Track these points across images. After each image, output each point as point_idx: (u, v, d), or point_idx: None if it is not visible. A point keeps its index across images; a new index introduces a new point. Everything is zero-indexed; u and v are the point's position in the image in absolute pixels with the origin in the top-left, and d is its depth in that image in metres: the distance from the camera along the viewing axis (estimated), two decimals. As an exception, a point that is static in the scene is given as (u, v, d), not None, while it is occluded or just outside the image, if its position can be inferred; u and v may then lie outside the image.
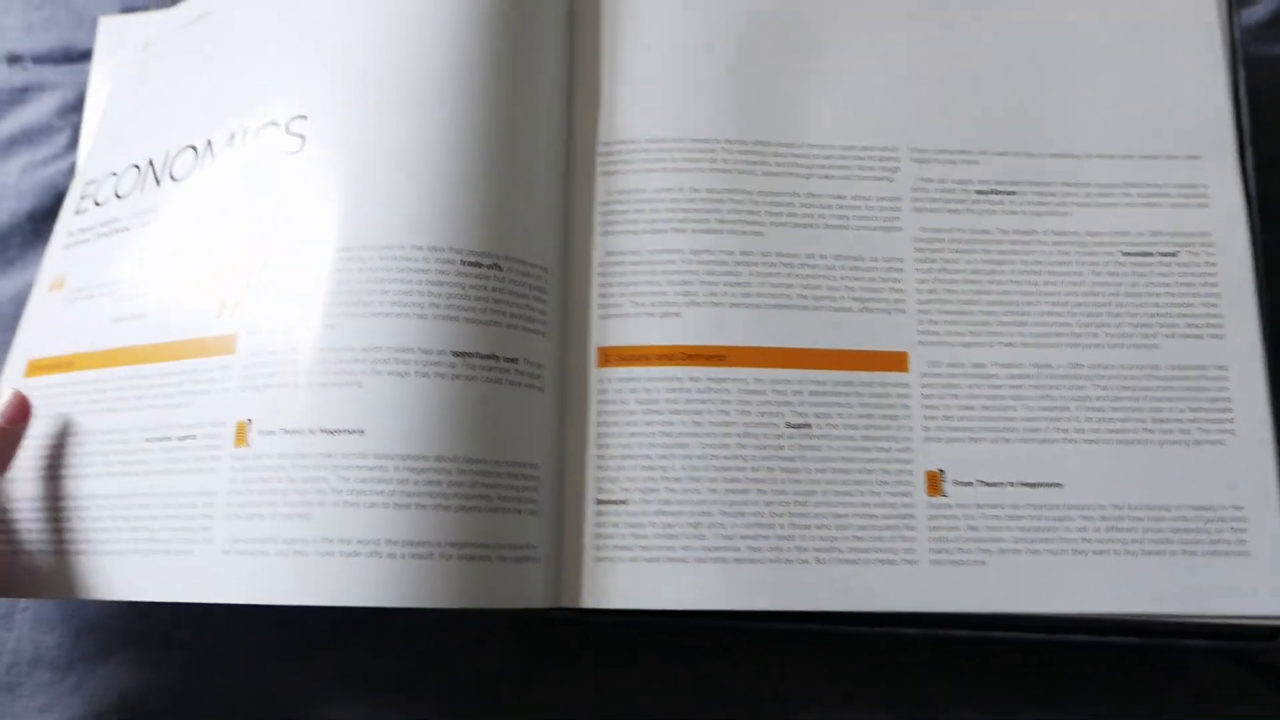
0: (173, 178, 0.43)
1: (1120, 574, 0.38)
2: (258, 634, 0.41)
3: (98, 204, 0.45)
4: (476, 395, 0.37)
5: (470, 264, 0.37)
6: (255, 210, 0.40)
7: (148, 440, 0.38)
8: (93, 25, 0.53)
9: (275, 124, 0.41)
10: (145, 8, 0.55)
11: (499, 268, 0.38)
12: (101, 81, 0.50)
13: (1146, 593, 0.37)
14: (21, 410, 0.40)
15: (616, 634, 0.40)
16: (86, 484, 0.39)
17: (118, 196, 0.44)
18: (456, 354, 0.37)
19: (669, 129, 0.40)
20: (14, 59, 0.55)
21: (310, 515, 0.35)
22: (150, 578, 0.37)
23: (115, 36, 0.50)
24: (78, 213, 0.45)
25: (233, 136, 0.41)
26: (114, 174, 0.45)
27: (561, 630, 0.41)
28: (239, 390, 0.37)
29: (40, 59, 0.55)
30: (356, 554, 0.35)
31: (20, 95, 0.54)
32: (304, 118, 0.40)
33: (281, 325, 0.37)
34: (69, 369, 0.41)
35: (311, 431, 0.36)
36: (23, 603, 0.42)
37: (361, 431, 0.36)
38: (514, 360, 0.38)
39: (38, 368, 0.42)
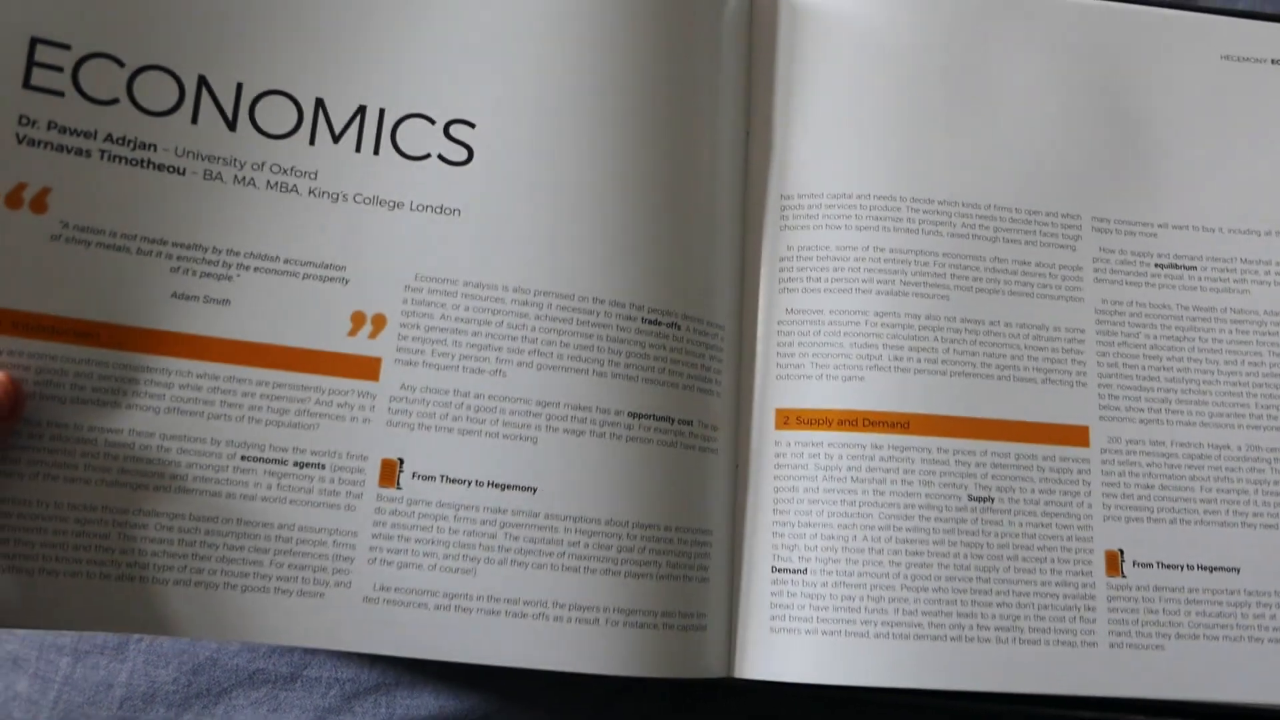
0: (259, 128, 0.35)
1: (1298, 663, 0.37)
2: (379, 674, 0.40)
3: (90, 98, 0.33)
4: (650, 458, 0.36)
5: (650, 322, 0.36)
6: (409, 222, 0.35)
7: (244, 459, 0.33)
8: None
9: (428, 119, 0.36)
10: None
11: (678, 326, 0.37)
12: None
13: (1323, 684, 0.37)
14: (10, 401, 0.31)
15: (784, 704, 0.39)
16: (133, 497, 0.33)
17: (141, 109, 0.34)
18: (633, 415, 0.36)
19: (853, 184, 0.39)
20: None
21: (475, 571, 0.34)
22: (268, 618, 0.33)
23: None
24: (35, 88, 0.33)
25: (361, 112, 0.36)
26: (115, 60, 0.34)
27: (730, 701, 0.39)
28: (385, 424, 0.34)
29: None
30: (523, 615, 0.34)
31: None
32: (469, 125, 0.36)
33: (441, 360, 0.35)
34: (89, 343, 0.33)
35: (480, 484, 0.35)
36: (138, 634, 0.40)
37: (534, 489, 0.35)
38: (689, 422, 0.36)
39: (17, 326, 0.32)
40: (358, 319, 0.35)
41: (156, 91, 0.34)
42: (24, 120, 0.33)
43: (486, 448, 0.35)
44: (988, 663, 0.36)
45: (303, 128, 0.35)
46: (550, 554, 0.34)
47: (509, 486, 0.35)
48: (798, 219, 0.39)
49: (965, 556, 0.37)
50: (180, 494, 0.33)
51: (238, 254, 0.34)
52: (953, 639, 0.36)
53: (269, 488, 0.34)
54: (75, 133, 0.33)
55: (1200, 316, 0.40)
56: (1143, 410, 0.39)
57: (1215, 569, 0.38)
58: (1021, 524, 0.37)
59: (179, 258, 0.34)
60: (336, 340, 0.35)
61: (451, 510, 0.34)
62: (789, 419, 0.37)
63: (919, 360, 0.38)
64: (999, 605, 0.36)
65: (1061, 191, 0.40)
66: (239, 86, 0.35)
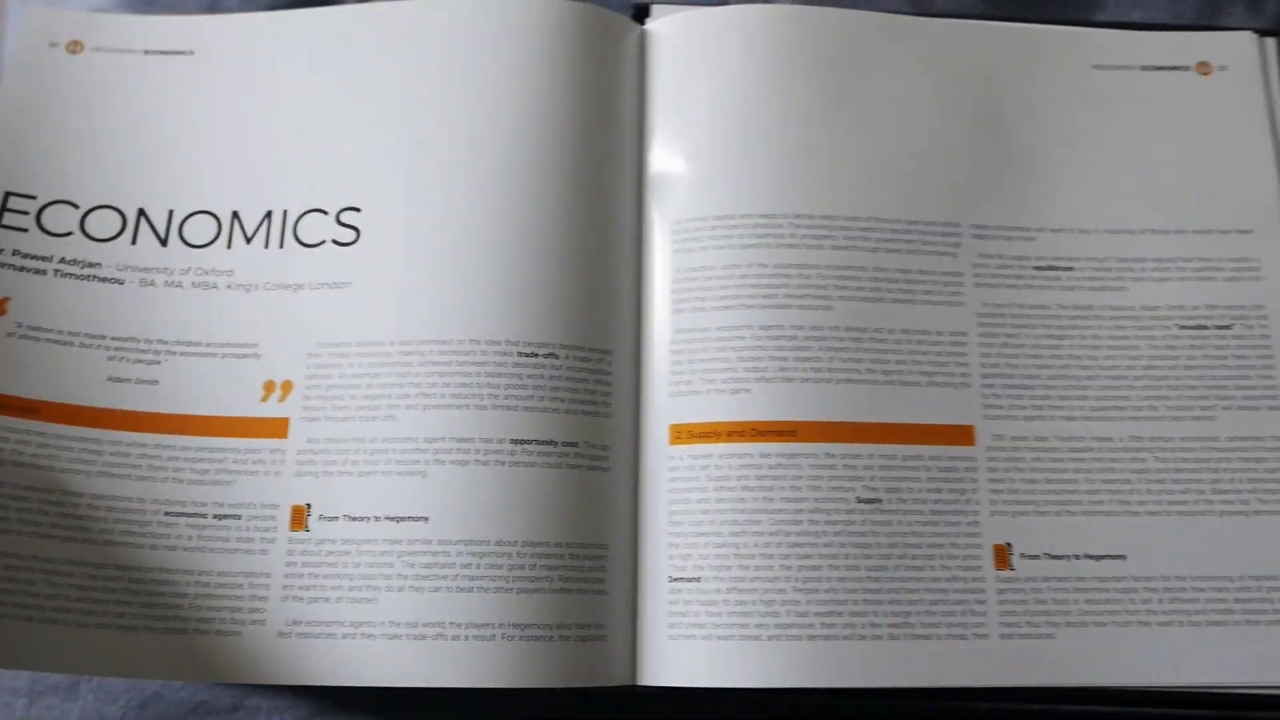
0: (185, 241, 0.41)
1: (1186, 645, 0.38)
2: (314, 704, 0.41)
3: (49, 232, 0.41)
4: (535, 480, 0.38)
5: (526, 355, 0.39)
6: (309, 299, 0.40)
7: (167, 514, 0.38)
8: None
9: (323, 212, 0.41)
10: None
11: (555, 356, 0.39)
12: (21, 80, 0.44)
13: (1212, 663, 0.38)
14: None
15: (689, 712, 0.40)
16: (71, 549, 0.37)
17: (89, 236, 0.41)
18: (515, 441, 0.38)
19: (737, 205, 0.41)
20: None
21: (377, 599, 0.37)
22: (189, 657, 0.36)
23: (44, 31, 0.45)
24: (4, 227, 0.41)
25: (268, 215, 0.42)
26: (71, 204, 0.42)
27: (636, 708, 0.41)
28: (294, 474, 0.38)
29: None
30: (422, 636, 0.36)
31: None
32: (357, 210, 0.41)
33: (341, 414, 0.39)
34: (31, 416, 0.38)
35: (377, 519, 0.37)
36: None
37: (426, 519, 0.37)
38: (574, 444, 0.38)
39: None
40: (269, 386, 0.39)
41: (103, 223, 0.42)
42: None
43: (382, 486, 0.38)
44: (882, 660, 0.37)
45: (221, 236, 0.42)
46: (445, 577, 0.37)
47: (403, 519, 0.37)
48: (686, 242, 0.41)
49: (855, 557, 0.38)
50: (105, 546, 0.37)
51: (166, 342, 0.40)
52: (845, 638, 0.37)
53: (190, 539, 0.37)
54: (34, 258, 0.41)
55: (1079, 315, 0.41)
56: (1026, 408, 0.40)
57: (1102, 557, 0.39)
58: (910, 523, 0.39)
59: (115, 348, 0.40)
60: (250, 406, 0.39)
61: (354, 545, 0.37)
62: (681, 434, 0.39)
63: (804, 370, 0.39)
64: (890, 603, 0.38)
65: (940, 201, 0.42)
66: (170, 212, 0.42)
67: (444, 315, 0.39)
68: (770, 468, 0.38)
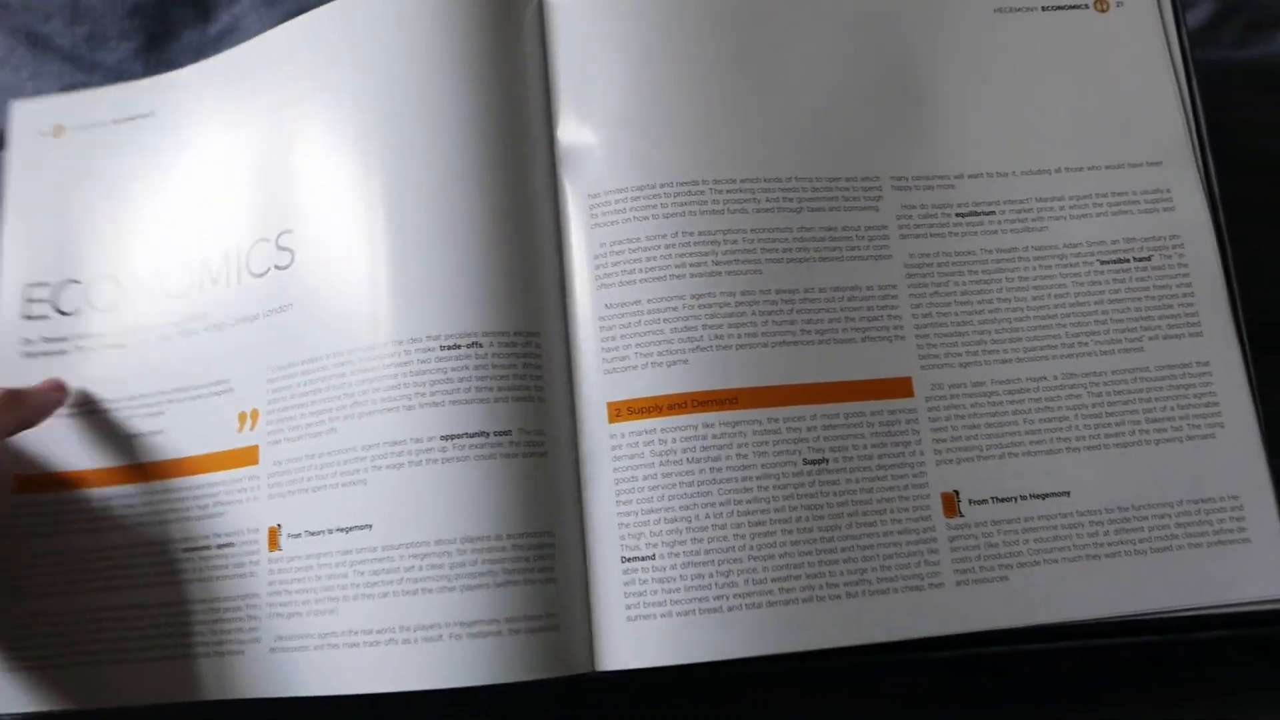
0: (169, 294, 0.44)
1: (1133, 573, 0.39)
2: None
3: (63, 312, 0.45)
4: (469, 474, 0.37)
5: (448, 347, 0.38)
6: (263, 327, 0.42)
7: (184, 550, 0.40)
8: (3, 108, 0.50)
9: (266, 240, 0.42)
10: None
11: (479, 345, 0.38)
12: (22, 172, 0.48)
13: (1159, 589, 0.39)
14: (59, 385, 0.43)
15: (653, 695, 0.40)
16: (122, 595, 0.40)
17: (93, 307, 0.44)
18: (445, 437, 0.37)
19: (655, 174, 0.40)
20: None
21: (336, 610, 0.37)
22: (198, 680, 0.39)
23: (32, 122, 0.48)
24: (29, 318, 0.45)
25: (228, 255, 0.43)
26: (75, 281, 0.45)
27: (599, 696, 0.40)
28: (267, 498, 0.39)
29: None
30: (376, 643, 0.36)
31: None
32: (290, 232, 0.42)
33: (295, 433, 0.39)
34: (69, 488, 0.42)
35: (329, 531, 0.38)
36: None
37: (369, 526, 0.37)
38: (506, 433, 0.37)
39: (28, 485, 0.43)
40: (241, 417, 0.41)
41: (102, 293, 0.45)
42: (23, 341, 0.45)
43: (330, 498, 0.38)
44: (841, 619, 0.37)
45: (194, 282, 0.44)
46: (391, 582, 0.37)
47: (351, 528, 0.38)
48: (606, 215, 0.40)
49: (807, 519, 0.38)
50: (113, 592, 0.41)
51: (166, 392, 0.42)
52: (804, 600, 0.37)
53: (202, 570, 0.40)
54: (56, 339, 0.44)
55: (1004, 258, 0.42)
56: (960, 354, 0.40)
57: (1047, 495, 0.39)
58: (858, 480, 0.38)
59: (131, 409, 0.43)
60: (229, 439, 0.41)
61: (315, 560, 0.38)
62: (620, 411, 0.38)
63: (739, 336, 0.39)
64: (845, 561, 0.38)
65: (858, 156, 0.42)
66: (155, 271, 0.44)
67: (367, 321, 0.39)
68: (714, 437, 0.38)
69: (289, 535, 0.39)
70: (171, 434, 0.42)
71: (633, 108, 0.41)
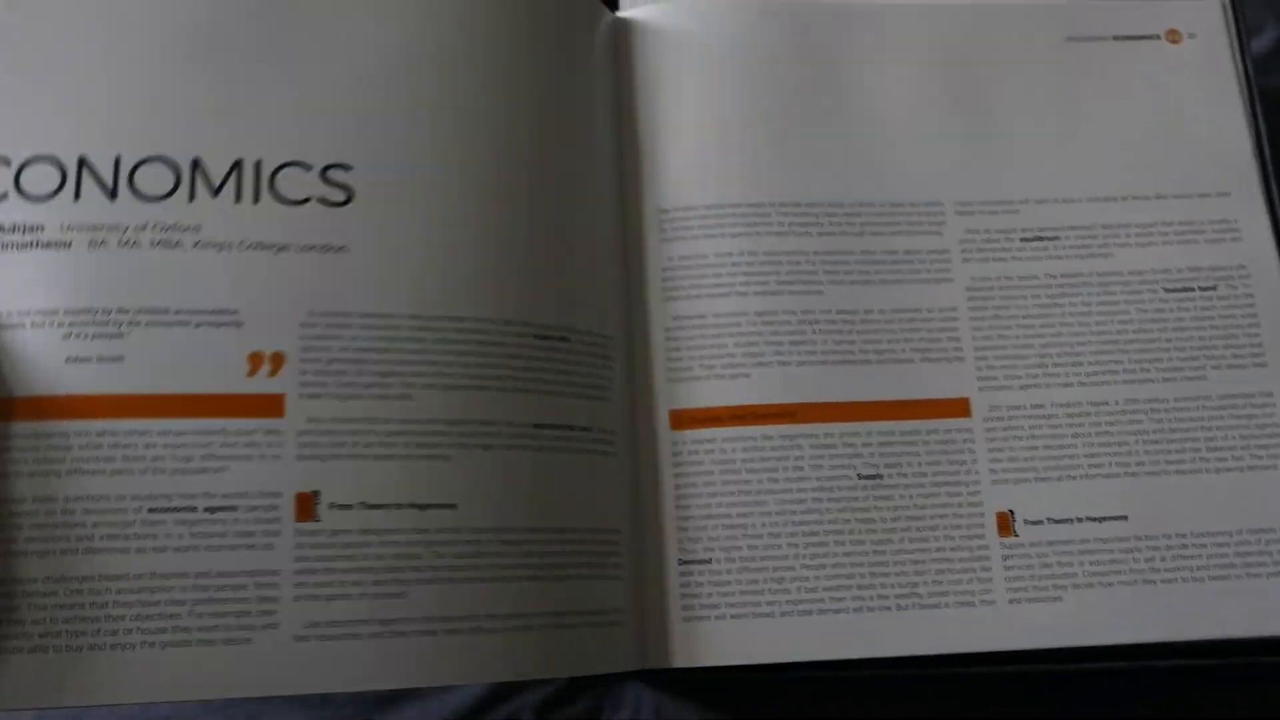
0: (138, 193, 0.36)
1: (1190, 600, 0.39)
2: (333, 712, 0.42)
3: None
4: (558, 465, 0.37)
5: (540, 337, 0.38)
6: (296, 262, 0.36)
7: (151, 511, 0.33)
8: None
9: (304, 166, 0.37)
10: None
11: (567, 339, 0.39)
12: None
13: (1216, 617, 0.39)
14: None
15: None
16: (65, 563, 0.33)
17: (25, 196, 0.36)
18: (537, 426, 0.37)
19: (725, 195, 0.42)
20: None
21: (406, 593, 0.34)
22: (195, 673, 0.32)
23: None
24: None
25: (237, 165, 0.37)
26: (4, 160, 0.36)
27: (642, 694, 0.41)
28: (295, 458, 0.34)
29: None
30: (458, 631, 0.35)
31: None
32: (346, 168, 0.38)
33: (346, 390, 0.35)
34: None
35: (399, 506, 0.35)
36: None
37: (454, 506, 0.36)
38: (588, 429, 0.39)
39: None
40: (255, 359, 0.35)
41: (40, 179, 0.36)
42: None
43: (402, 470, 0.35)
44: (891, 630, 0.38)
45: (181, 187, 0.36)
46: (478, 567, 0.35)
47: (429, 506, 0.35)
48: (676, 231, 0.42)
49: (860, 532, 0.39)
50: (87, 555, 0.32)
51: (127, 311, 0.35)
52: (855, 610, 0.38)
53: (180, 537, 0.33)
54: None
55: (1068, 283, 0.42)
56: (1020, 376, 0.41)
57: (1104, 519, 0.40)
58: (912, 496, 0.39)
59: (70, 324, 0.34)
60: (235, 382, 0.35)
61: (375, 536, 0.34)
62: (683, 419, 0.40)
63: (799, 353, 0.40)
64: (897, 574, 0.39)
65: (922, 182, 0.43)
66: (117, 160, 0.36)
67: (458, 290, 0.37)
68: (773, 449, 0.39)
69: (333, 505, 0.34)
70: (136, 363, 0.34)
71: (706, 130, 0.43)
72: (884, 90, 0.44)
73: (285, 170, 0.37)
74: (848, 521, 0.39)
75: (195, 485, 0.34)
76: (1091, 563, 0.39)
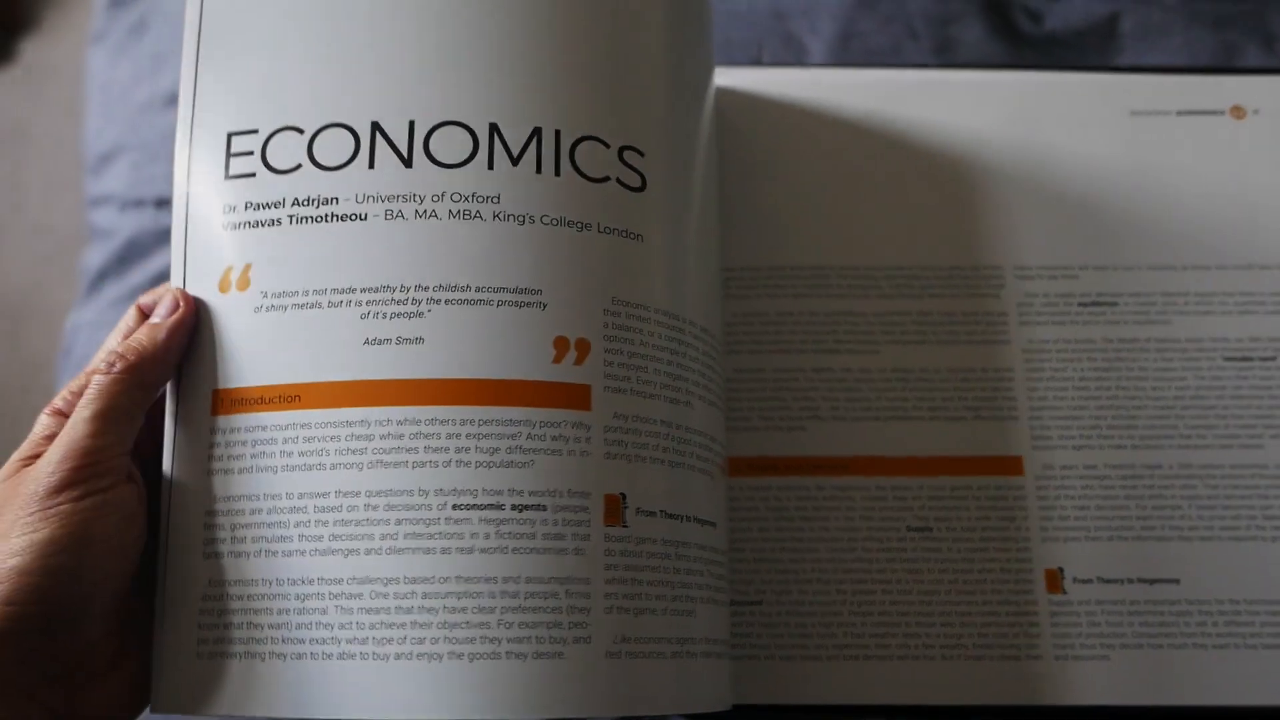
0: (434, 160, 0.34)
1: (1242, 667, 0.39)
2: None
3: (275, 169, 0.34)
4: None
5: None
6: (599, 244, 0.34)
7: (455, 508, 0.31)
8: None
9: (603, 143, 0.35)
10: None
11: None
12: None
13: (1268, 685, 0.39)
14: (187, 304, 0.33)
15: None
16: (343, 563, 0.31)
17: (318, 165, 0.34)
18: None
19: (787, 257, 0.44)
20: (162, 203, 0.60)
21: (694, 611, 0.33)
22: (499, 689, 0.30)
23: None
24: (234, 176, 0.34)
25: (536, 134, 0.34)
26: (295, 128, 0.34)
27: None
28: (603, 456, 0.32)
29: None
30: (720, 655, 0.35)
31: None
32: (639, 153, 0.35)
33: (646, 388, 0.34)
34: (288, 406, 0.32)
35: (686, 519, 0.35)
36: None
37: (714, 524, 0.36)
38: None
39: (233, 403, 0.32)
40: (561, 344, 0.33)
41: (334, 147, 0.34)
42: (227, 209, 0.34)
43: (685, 480, 0.34)
44: (935, 678, 0.39)
45: (479, 154, 0.34)
46: (719, 589, 0.36)
47: (705, 521, 0.35)
48: (740, 289, 0.44)
49: (907, 582, 0.41)
50: (392, 555, 0.30)
51: (426, 288, 0.32)
52: (900, 658, 0.40)
53: (486, 537, 0.31)
54: (265, 205, 0.34)
55: (1125, 348, 0.43)
56: (1074, 437, 0.42)
57: (1155, 581, 0.40)
58: (960, 549, 0.41)
59: (368, 302, 0.32)
60: (541, 369, 0.32)
61: (673, 549, 0.33)
62: (740, 466, 0.42)
63: (854, 409, 0.42)
64: (943, 625, 0.40)
65: (981, 247, 0.45)
66: (411, 125, 0.34)
67: (712, 306, 0.38)
68: (825, 499, 0.41)
69: (639, 511, 0.32)
70: (436, 345, 0.32)
71: (770, 194, 0.46)
72: (944, 157, 0.46)
73: (585, 144, 0.35)
74: (895, 571, 0.41)
75: (501, 480, 0.31)
76: (1141, 624, 0.40)
